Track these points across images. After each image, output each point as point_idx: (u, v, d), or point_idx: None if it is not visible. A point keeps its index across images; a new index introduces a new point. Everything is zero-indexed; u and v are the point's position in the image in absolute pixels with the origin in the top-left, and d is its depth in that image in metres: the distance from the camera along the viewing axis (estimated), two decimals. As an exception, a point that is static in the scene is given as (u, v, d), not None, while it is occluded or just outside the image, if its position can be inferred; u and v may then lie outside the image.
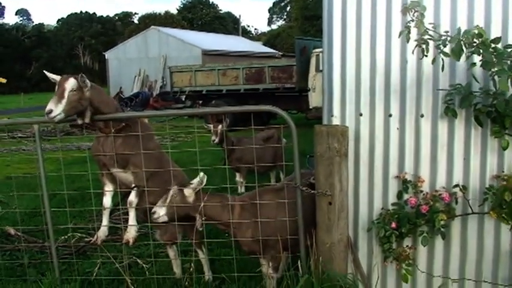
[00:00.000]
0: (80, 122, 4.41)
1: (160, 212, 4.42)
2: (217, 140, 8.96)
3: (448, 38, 3.57)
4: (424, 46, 3.61)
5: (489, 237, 4.14)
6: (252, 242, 4.50)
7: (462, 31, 3.53)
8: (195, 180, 4.44)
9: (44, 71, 4.51)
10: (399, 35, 3.79)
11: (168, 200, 4.43)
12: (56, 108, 4.13)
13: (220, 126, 8.93)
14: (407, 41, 3.71)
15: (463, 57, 3.59)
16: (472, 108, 3.91)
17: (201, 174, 4.42)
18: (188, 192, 4.45)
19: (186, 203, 4.46)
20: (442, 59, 3.67)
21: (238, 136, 9.71)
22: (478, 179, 4.08)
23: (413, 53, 3.95)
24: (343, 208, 4.12)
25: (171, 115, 13.99)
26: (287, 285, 4.23)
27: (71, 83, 4.19)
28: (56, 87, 4.22)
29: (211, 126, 9.12)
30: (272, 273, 4.61)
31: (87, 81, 4.25)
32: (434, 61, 3.71)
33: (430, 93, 4.08)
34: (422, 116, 4.10)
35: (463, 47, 3.50)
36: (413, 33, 3.67)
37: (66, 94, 4.16)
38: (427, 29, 3.60)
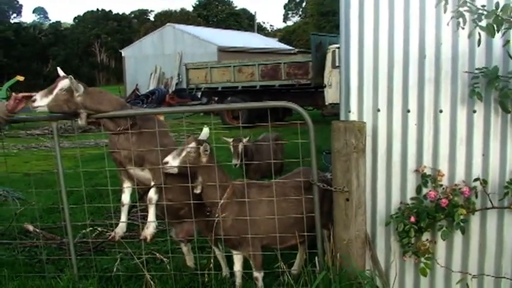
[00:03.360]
0: (80, 122, 4.43)
1: (173, 163, 4.33)
2: (238, 163, 7.62)
3: (485, 13, 3.43)
4: (460, 19, 3.45)
5: (509, 232, 4.09)
6: (231, 230, 4.51)
7: (501, 5, 3.40)
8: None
9: (58, 68, 4.55)
10: (436, 5, 3.67)
11: (183, 154, 4.37)
12: (40, 101, 4.23)
13: (241, 145, 7.59)
14: (445, 12, 3.59)
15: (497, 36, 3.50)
16: (491, 101, 3.90)
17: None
18: (204, 152, 4.41)
19: (199, 161, 4.42)
20: (479, 34, 3.54)
21: (255, 143, 8.48)
22: (498, 173, 4.03)
23: (448, 24, 3.84)
24: (361, 204, 4.10)
25: (186, 111, 14.01)
26: (305, 281, 4.22)
27: (63, 82, 4.25)
28: None
29: (231, 143, 7.73)
30: (256, 274, 4.63)
31: (80, 86, 4.27)
32: (470, 35, 3.60)
33: (448, 89, 4.04)
34: (441, 111, 4.06)
35: (501, 23, 3.36)
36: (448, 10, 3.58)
37: (55, 91, 4.24)
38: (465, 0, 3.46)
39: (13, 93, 4.63)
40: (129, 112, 4.54)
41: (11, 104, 4.46)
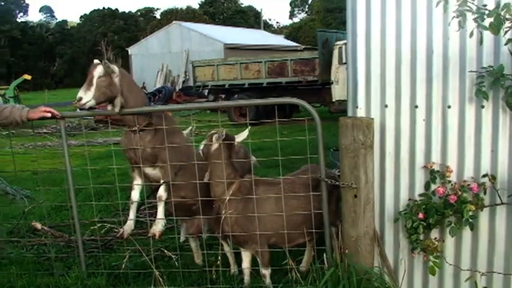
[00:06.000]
0: (110, 108, 4.45)
1: (200, 147, 4.59)
2: None
3: (486, 12, 3.38)
4: (461, 18, 3.41)
5: (518, 228, 4.06)
6: (235, 227, 4.50)
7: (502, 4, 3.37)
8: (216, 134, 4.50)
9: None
10: (436, 5, 3.61)
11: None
12: (86, 96, 4.21)
13: None
14: (444, 11, 3.58)
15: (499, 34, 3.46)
16: (500, 96, 3.86)
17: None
18: (214, 138, 4.48)
19: (209, 147, 4.52)
20: (481, 32, 3.52)
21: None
22: (506, 169, 3.99)
23: (449, 24, 3.79)
24: (369, 201, 4.08)
25: (193, 109, 14.04)
26: (313, 278, 4.21)
27: (98, 69, 4.26)
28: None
29: None
30: (264, 271, 4.62)
31: (113, 67, 4.32)
32: (472, 34, 3.56)
33: (457, 84, 4.01)
34: (449, 107, 4.04)
35: (502, 22, 3.32)
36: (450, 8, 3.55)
37: (94, 81, 4.23)
38: None
39: (43, 106, 4.65)
40: (154, 108, 4.58)
41: (37, 114, 4.53)
